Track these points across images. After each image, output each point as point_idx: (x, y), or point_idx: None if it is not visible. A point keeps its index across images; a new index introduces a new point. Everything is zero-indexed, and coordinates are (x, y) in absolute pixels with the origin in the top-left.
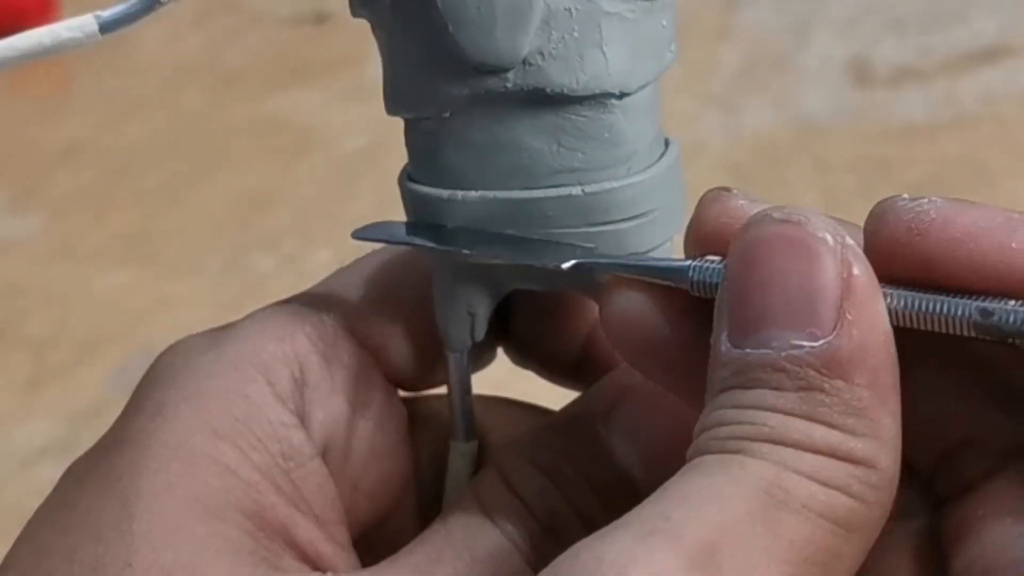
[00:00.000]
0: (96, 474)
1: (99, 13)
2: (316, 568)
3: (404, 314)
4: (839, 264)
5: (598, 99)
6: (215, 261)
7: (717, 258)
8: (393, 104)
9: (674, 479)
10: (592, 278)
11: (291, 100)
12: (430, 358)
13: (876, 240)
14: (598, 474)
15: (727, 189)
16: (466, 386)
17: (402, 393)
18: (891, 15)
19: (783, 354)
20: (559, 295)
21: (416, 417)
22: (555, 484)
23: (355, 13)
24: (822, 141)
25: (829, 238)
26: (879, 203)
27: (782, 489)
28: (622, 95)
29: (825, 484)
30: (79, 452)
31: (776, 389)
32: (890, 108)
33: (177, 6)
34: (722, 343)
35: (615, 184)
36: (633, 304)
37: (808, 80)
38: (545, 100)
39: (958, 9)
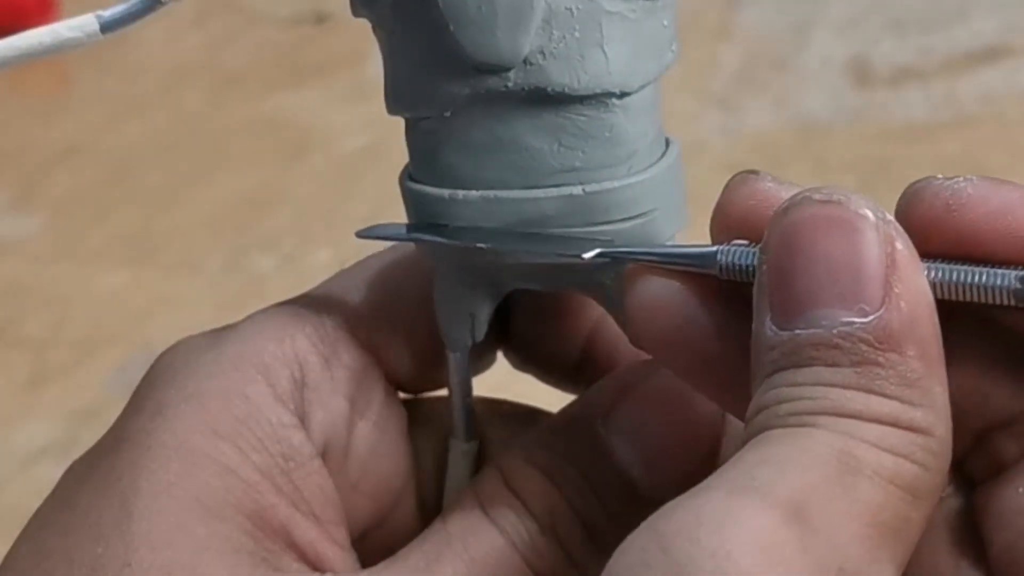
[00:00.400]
0: (96, 474)
1: (100, 13)
2: (316, 568)
3: (405, 316)
4: (882, 240)
5: (599, 98)
6: (215, 261)
7: (745, 242)
8: (394, 103)
9: (744, 451)
10: (596, 277)
11: (291, 100)
12: (430, 360)
13: (911, 218)
14: (598, 474)
15: (755, 172)
16: (467, 386)
17: (402, 394)
18: (891, 15)
19: (835, 331)
20: (559, 296)
21: (416, 417)
22: (555, 484)
23: (356, 13)
24: (822, 141)
25: (870, 214)
26: (912, 184)
27: (853, 457)
28: (623, 94)
29: (891, 452)
30: (79, 452)
31: (832, 366)
32: (890, 108)
33: (177, 6)
34: (767, 327)
35: (616, 184)
36: (659, 292)
37: (808, 80)
38: (546, 99)
39: (958, 9)
